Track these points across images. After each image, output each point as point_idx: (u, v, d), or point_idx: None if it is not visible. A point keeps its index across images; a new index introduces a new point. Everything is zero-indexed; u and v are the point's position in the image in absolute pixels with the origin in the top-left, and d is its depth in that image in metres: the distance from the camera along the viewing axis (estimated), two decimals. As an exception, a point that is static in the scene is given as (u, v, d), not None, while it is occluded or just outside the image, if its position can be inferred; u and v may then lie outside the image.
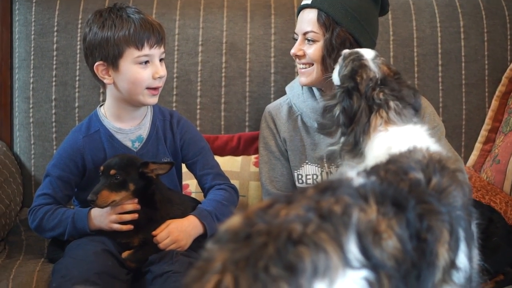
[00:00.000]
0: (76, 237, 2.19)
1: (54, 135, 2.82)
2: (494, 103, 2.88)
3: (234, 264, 1.12)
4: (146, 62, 2.20)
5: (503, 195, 2.61)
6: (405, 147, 1.65)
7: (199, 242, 2.17)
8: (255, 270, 1.11)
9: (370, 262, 1.23)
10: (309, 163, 2.43)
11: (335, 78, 2.02)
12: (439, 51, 2.91)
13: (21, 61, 2.84)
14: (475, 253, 1.61)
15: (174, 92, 2.84)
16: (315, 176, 2.42)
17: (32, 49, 2.84)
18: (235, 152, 2.78)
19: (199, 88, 2.85)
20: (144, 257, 2.12)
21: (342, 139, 1.88)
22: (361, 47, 2.19)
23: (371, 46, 2.27)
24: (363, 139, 1.81)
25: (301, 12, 2.37)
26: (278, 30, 2.87)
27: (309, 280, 1.12)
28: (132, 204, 2.16)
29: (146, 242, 2.15)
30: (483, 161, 2.85)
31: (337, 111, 1.89)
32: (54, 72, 2.83)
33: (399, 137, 1.75)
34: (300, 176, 2.44)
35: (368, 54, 1.96)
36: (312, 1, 2.32)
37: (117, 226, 2.15)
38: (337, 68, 2.03)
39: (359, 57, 1.94)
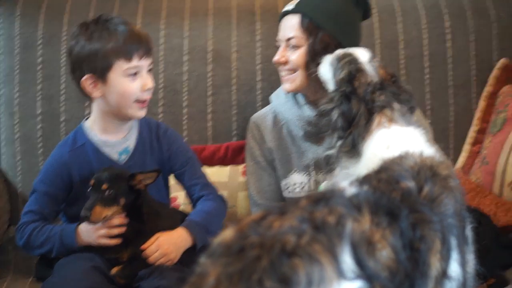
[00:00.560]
0: (65, 254, 2.16)
1: (40, 151, 2.78)
2: (482, 104, 2.87)
3: (228, 279, 1.11)
4: (135, 73, 2.17)
5: (492, 196, 2.60)
6: (400, 150, 1.64)
7: (188, 254, 2.15)
8: (249, 284, 1.10)
9: (365, 272, 1.22)
10: (297, 172, 2.42)
11: (326, 76, 2.01)
12: (425, 53, 2.90)
13: (5, 76, 2.80)
14: (470, 257, 1.60)
15: (160, 103, 2.82)
16: (303, 185, 2.41)
17: (17, 63, 2.80)
18: (223, 162, 2.76)
19: (185, 98, 2.83)
20: (133, 273, 2.09)
21: (339, 143, 1.87)
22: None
23: (355, 50, 2.27)
24: (363, 138, 1.80)
25: (283, 19, 2.36)
26: (264, 36, 2.85)
27: (303, 292, 1.10)
28: (119, 218, 2.13)
29: (135, 257, 2.13)
30: (472, 162, 2.84)
31: (335, 115, 1.87)
32: (39, 86, 2.78)
33: (399, 137, 1.75)
34: (287, 185, 2.43)
35: (363, 56, 1.95)
36: (295, 6, 2.32)
37: (105, 241, 2.12)
38: (326, 66, 2.01)
39: (355, 60, 1.93)
